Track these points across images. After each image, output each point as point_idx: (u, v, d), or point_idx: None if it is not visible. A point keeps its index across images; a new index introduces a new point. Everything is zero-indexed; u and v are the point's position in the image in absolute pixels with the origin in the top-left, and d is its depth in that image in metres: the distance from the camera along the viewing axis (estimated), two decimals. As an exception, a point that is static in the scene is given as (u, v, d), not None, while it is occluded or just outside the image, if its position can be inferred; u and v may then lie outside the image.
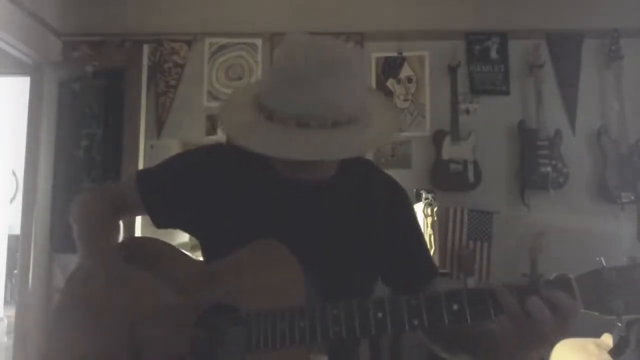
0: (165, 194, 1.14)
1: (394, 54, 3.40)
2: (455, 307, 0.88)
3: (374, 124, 1.02)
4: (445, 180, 3.23)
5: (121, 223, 1.23)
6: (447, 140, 3.24)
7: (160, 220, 1.17)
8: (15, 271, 3.63)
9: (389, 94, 3.40)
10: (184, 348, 1.01)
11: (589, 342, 2.22)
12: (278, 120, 0.96)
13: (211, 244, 1.13)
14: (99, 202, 1.19)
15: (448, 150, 3.23)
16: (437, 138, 3.28)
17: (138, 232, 2.73)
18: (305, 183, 1.09)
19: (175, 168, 1.18)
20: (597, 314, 0.85)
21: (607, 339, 2.19)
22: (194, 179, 1.13)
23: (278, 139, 0.95)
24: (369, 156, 3.30)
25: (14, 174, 4.72)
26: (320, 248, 1.04)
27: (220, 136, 3.39)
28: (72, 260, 1.17)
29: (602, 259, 0.87)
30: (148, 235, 1.23)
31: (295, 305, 0.94)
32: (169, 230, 1.20)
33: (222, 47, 3.49)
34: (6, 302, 4.66)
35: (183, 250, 1.15)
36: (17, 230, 3.51)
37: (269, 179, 1.10)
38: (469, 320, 0.88)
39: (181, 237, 1.29)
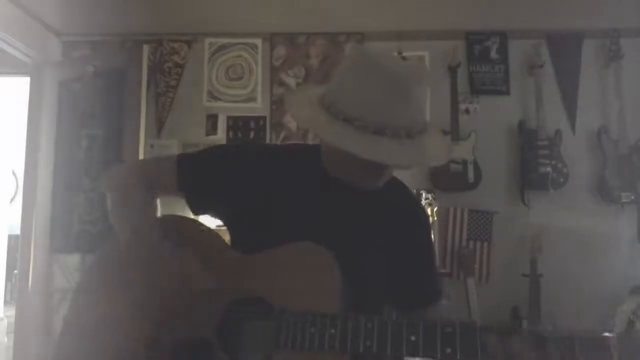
0: (206, 179, 1.15)
1: (394, 54, 3.40)
2: (490, 341, 0.87)
3: (435, 138, 1.09)
4: (445, 180, 3.22)
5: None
6: (448, 140, 3.24)
7: (197, 206, 1.18)
8: (15, 271, 3.63)
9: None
10: (211, 331, 1.01)
11: None
12: (359, 127, 0.98)
13: (244, 236, 1.13)
14: (135, 179, 1.18)
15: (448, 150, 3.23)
16: (437, 138, 3.28)
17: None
18: (348, 186, 1.10)
19: (219, 156, 1.20)
20: None
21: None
22: (238, 168, 1.14)
23: (373, 144, 0.97)
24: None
25: (14, 174, 4.72)
26: (352, 253, 1.03)
27: (220, 136, 3.40)
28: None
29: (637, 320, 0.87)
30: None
31: (329, 311, 0.94)
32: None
33: (222, 47, 3.49)
34: (6, 302, 4.65)
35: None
36: (17, 230, 3.51)
37: (316, 177, 1.12)
38: (504, 357, 0.87)
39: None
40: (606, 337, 0.85)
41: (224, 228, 1.21)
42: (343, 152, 1.00)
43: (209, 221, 1.28)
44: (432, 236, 1.29)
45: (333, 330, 0.92)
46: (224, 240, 1.14)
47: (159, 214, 1.19)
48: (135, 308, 1.06)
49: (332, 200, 1.11)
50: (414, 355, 0.90)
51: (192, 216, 1.22)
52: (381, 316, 0.93)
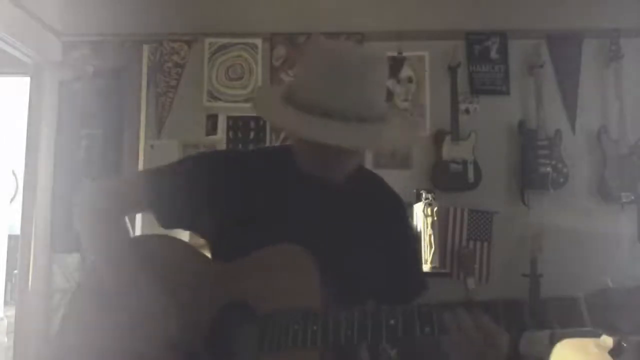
0: (174, 193, 1.13)
1: (394, 54, 3.40)
2: (465, 316, 0.89)
3: (397, 125, 1.09)
4: (445, 180, 3.22)
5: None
6: (447, 140, 3.24)
7: (168, 221, 1.16)
8: (15, 271, 3.63)
9: (389, 94, 3.41)
10: (199, 345, 1.01)
11: (589, 343, 2.22)
12: (307, 110, 0.99)
13: (223, 244, 1.13)
14: (104, 200, 1.17)
15: (448, 150, 3.23)
16: (437, 138, 3.28)
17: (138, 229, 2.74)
18: (322, 180, 1.10)
19: (187, 168, 1.17)
20: (602, 332, 0.88)
21: (607, 339, 2.19)
22: (208, 178, 1.13)
23: (344, 132, 0.97)
24: (368, 154, 3.30)
25: (14, 174, 4.72)
26: (331, 249, 1.04)
27: (220, 136, 3.40)
28: (72, 260, 1.17)
29: (608, 280, 0.89)
30: (148, 232, 1.22)
31: (310, 308, 0.95)
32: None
33: (222, 47, 3.49)
34: (6, 302, 4.65)
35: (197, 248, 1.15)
36: (17, 230, 3.51)
37: (289, 177, 1.12)
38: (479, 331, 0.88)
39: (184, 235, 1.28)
40: (576, 297, 0.89)
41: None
42: (305, 143, 1.02)
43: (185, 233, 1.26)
44: (413, 225, 1.28)
45: (315, 327, 0.93)
46: (200, 252, 1.13)
47: (137, 232, 1.18)
48: (118, 333, 1.05)
49: (308, 199, 1.11)
50: (394, 339, 0.92)
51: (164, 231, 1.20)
52: (361, 307, 0.94)
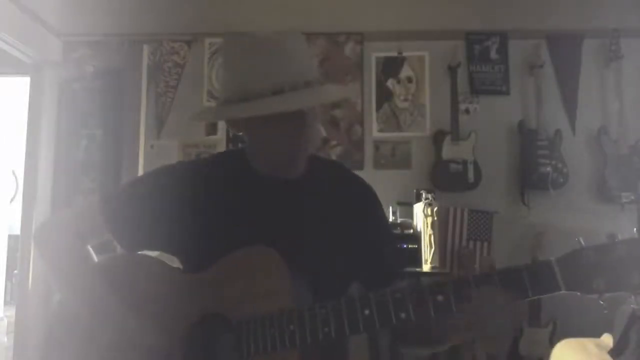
0: (132, 217, 1.11)
1: (394, 54, 3.40)
2: (440, 298, 0.90)
3: (333, 86, 1.17)
4: (445, 180, 3.22)
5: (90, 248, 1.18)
6: (447, 140, 3.24)
7: (129, 244, 1.14)
8: (15, 271, 3.63)
9: (389, 94, 3.41)
10: (178, 358, 1.00)
11: (589, 342, 2.22)
12: (256, 96, 1.01)
13: (191, 257, 1.11)
14: (63, 232, 1.14)
15: (448, 150, 3.23)
16: (437, 138, 3.28)
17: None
18: (280, 180, 1.11)
19: (142, 189, 1.15)
20: (579, 294, 0.86)
21: (607, 339, 2.19)
22: (160, 196, 1.11)
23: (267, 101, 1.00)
24: (369, 154, 3.30)
25: (14, 174, 4.72)
26: (299, 245, 1.03)
27: (220, 136, 3.40)
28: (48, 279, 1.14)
29: (580, 239, 0.88)
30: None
31: (285, 308, 0.95)
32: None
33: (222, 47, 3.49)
34: (6, 302, 4.65)
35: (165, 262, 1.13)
36: (17, 230, 3.51)
37: (246, 179, 1.12)
38: (454, 310, 0.89)
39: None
40: (547, 261, 0.89)
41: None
42: (252, 138, 1.11)
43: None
44: (383, 210, 1.26)
45: (292, 327, 0.93)
46: (170, 266, 1.11)
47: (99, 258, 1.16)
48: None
49: (269, 199, 1.10)
50: (372, 328, 0.91)
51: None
52: (335, 301, 0.94)
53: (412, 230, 3.01)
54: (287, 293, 0.97)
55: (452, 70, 3.34)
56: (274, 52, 1.02)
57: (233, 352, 0.96)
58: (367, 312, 0.91)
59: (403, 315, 0.90)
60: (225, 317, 0.99)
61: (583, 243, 0.88)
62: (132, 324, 1.03)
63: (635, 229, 0.85)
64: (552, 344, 2.64)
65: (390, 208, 3.01)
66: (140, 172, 3.33)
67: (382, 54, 3.42)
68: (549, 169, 3.14)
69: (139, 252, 1.15)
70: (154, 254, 1.16)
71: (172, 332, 1.01)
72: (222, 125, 3.41)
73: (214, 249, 1.03)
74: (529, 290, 0.88)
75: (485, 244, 3.22)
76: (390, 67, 3.42)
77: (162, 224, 1.10)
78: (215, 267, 1.03)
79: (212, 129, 3.42)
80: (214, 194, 1.11)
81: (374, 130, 3.37)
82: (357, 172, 1.25)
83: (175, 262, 1.14)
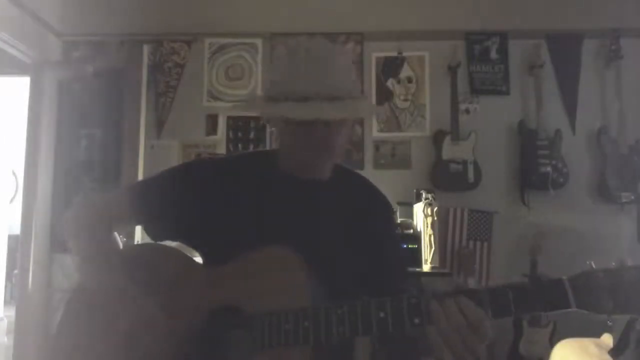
0: (160, 207, 1.14)
1: (394, 54, 3.40)
2: (452, 305, 0.90)
3: (365, 102, 1.21)
4: (445, 180, 3.22)
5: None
6: (447, 140, 3.24)
7: (155, 233, 1.18)
8: (15, 271, 3.63)
9: (389, 94, 3.41)
10: (192, 349, 1.02)
11: (589, 343, 2.22)
12: (283, 99, 1.05)
13: (212, 251, 1.14)
14: (92, 216, 1.17)
15: (448, 150, 3.23)
16: (437, 138, 3.28)
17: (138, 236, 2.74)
18: (304, 181, 1.14)
19: (171, 180, 1.18)
20: (586, 312, 0.90)
21: (607, 339, 2.19)
22: (189, 189, 1.14)
23: (298, 106, 1.04)
24: (370, 154, 3.30)
25: (14, 174, 4.72)
26: (316, 245, 1.06)
27: (220, 136, 3.40)
28: (72, 261, 1.17)
29: (592, 262, 0.91)
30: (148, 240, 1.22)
31: (300, 306, 0.97)
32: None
33: (222, 47, 3.49)
34: (6, 302, 4.65)
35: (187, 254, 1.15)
36: (17, 230, 3.51)
37: (271, 178, 1.15)
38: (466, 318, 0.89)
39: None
40: (560, 279, 0.91)
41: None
42: (283, 139, 1.13)
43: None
44: (396, 225, 1.30)
45: (307, 323, 0.95)
46: (191, 258, 1.14)
47: (134, 241, 1.19)
48: (112, 344, 1.05)
49: (293, 199, 1.13)
50: (385, 331, 0.92)
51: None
52: (351, 302, 0.95)
53: (412, 230, 3.02)
54: (304, 291, 0.99)
55: (452, 70, 3.34)
56: (314, 59, 1.07)
57: (247, 344, 0.98)
58: (382, 314, 0.92)
59: (417, 320, 0.91)
60: (241, 310, 1.00)
61: (594, 266, 0.92)
62: (151, 310, 1.05)
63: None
64: (552, 344, 2.64)
65: (390, 208, 3.01)
66: (140, 172, 3.33)
67: (382, 54, 3.42)
68: (549, 169, 3.14)
69: (162, 242, 1.18)
70: (173, 244, 1.19)
71: (189, 321, 1.03)
72: (222, 126, 3.42)
73: (235, 244, 1.06)
74: (541, 306, 0.91)
75: (485, 244, 3.23)
76: (390, 67, 3.42)
77: (188, 216, 1.13)
78: (236, 261, 1.05)
79: (212, 129, 3.42)
80: (239, 191, 1.14)
81: (374, 130, 3.37)
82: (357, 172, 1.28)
83: (194, 255, 1.17)
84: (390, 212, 1.28)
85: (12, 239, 4.41)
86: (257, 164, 1.20)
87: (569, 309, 0.90)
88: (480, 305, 0.90)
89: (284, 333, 0.95)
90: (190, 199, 1.13)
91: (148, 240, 1.22)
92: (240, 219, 1.12)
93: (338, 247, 1.11)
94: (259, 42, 3.48)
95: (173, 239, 1.20)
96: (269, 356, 0.97)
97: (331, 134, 1.09)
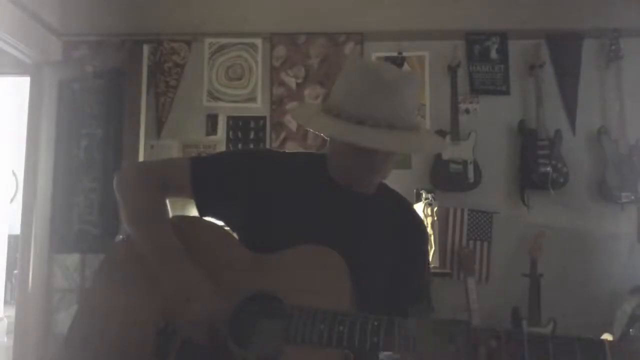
0: (216, 183, 1.17)
1: (394, 54, 3.40)
2: (493, 344, 0.90)
3: (426, 134, 1.25)
4: (445, 180, 3.22)
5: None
6: (447, 140, 3.24)
7: (206, 208, 1.19)
8: (15, 271, 3.64)
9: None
10: (225, 324, 1.03)
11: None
12: (370, 124, 1.05)
13: (253, 238, 1.15)
14: (149, 178, 1.20)
15: (448, 150, 3.23)
16: (437, 138, 3.28)
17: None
18: (352, 192, 1.17)
19: (231, 160, 1.23)
20: None
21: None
22: (249, 173, 1.17)
23: (377, 136, 1.05)
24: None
25: (14, 174, 4.73)
26: (356, 254, 1.06)
27: (220, 136, 3.40)
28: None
29: (632, 330, 0.92)
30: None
31: (338, 308, 0.98)
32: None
33: (222, 47, 3.49)
34: (6, 302, 4.66)
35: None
36: (17, 230, 3.51)
37: (322, 182, 1.18)
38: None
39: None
40: (602, 340, 0.89)
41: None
42: (341, 152, 1.12)
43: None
44: (428, 250, 1.31)
45: (341, 327, 0.95)
46: (236, 239, 1.17)
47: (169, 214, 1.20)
48: (145, 299, 1.09)
49: (340, 205, 1.16)
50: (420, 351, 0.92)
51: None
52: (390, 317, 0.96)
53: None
54: (345, 295, 1.01)
55: (452, 70, 3.34)
56: (388, 86, 1.06)
57: (280, 335, 0.98)
58: (416, 334, 0.93)
59: (453, 349, 0.90)
60: (280, 300, 1.01)
61: (632, 332, 0.93)
62: (193, 280, 1.06)
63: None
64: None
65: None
66: (140, 172, 3.33)
67: (382, 54, 3.42)
68: (549, 169, 3.14)
69: (210, 221, 1.20)
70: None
71: (225, 299, 1.04)
72: (222, 126, 3.42)
73: (278, 237, 1.09)
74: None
75: (485, 244, 3.23)
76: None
77: (239, 199, 1.16)
78: (283, 253, 1.07)
79: (212, 129, 3.42)
80: (292, 187, 1.17)
81: (374, 130, 3.36)
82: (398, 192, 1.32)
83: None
84: (425, 236, 1.30)
85: (12, 239, 4.41)
86: (310, 166, 1.23)
87: None
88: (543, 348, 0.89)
89: (318, 332, 0.96)
90: (250, 185, 1.16)
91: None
92: (286, 214, 1.14)
93: (377, 259, 1.13)
94: (259, 42, 3.48)
95: (219, 217, 1.23)
96: (297, 351, 0.97)
97: (387, 162, 1.13)
